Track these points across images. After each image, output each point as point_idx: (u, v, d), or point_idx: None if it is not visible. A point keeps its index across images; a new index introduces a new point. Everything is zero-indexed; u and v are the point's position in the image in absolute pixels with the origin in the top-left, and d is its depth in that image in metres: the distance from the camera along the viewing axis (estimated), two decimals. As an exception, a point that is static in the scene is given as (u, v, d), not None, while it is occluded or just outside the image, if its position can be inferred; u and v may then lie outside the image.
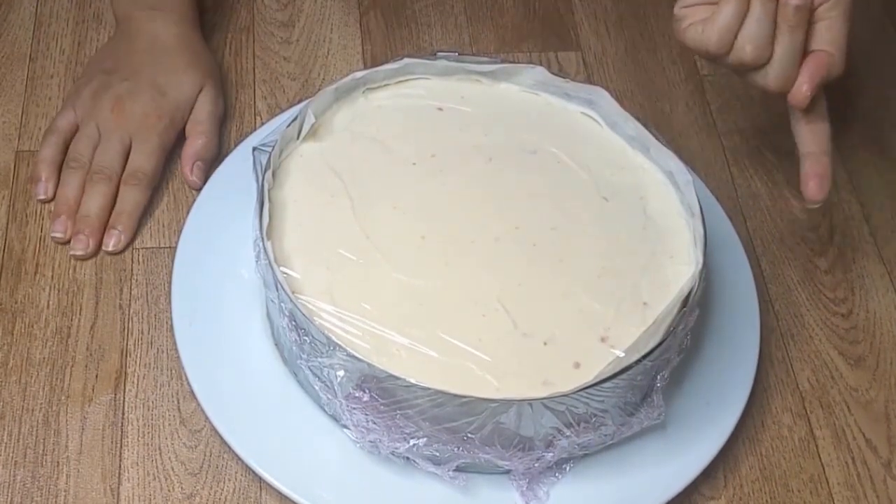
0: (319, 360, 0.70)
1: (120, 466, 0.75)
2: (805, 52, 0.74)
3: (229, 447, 0.74)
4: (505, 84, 0.84)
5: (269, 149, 0.76)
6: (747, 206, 0.92)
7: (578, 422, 0.70)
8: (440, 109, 0.82)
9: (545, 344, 0.71)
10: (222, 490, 0.75)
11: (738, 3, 0.72)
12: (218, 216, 0.83)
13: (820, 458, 0.80)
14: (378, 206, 0.76)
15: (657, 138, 0.79)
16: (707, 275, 0.75)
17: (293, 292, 0.70)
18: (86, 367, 0.80)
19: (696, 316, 0.73)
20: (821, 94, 0.77)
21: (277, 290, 0.71)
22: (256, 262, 0.74)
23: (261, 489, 0.75)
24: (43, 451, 0.76)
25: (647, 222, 0.77)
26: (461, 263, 0.74)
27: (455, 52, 0.84)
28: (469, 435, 0.69)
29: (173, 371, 0.80)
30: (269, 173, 0.75)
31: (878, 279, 0.89)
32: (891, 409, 0.82)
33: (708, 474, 0.76)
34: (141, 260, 0.85)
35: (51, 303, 0.82)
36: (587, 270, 0.74)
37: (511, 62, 0.83)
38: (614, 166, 0.80)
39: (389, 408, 0.69)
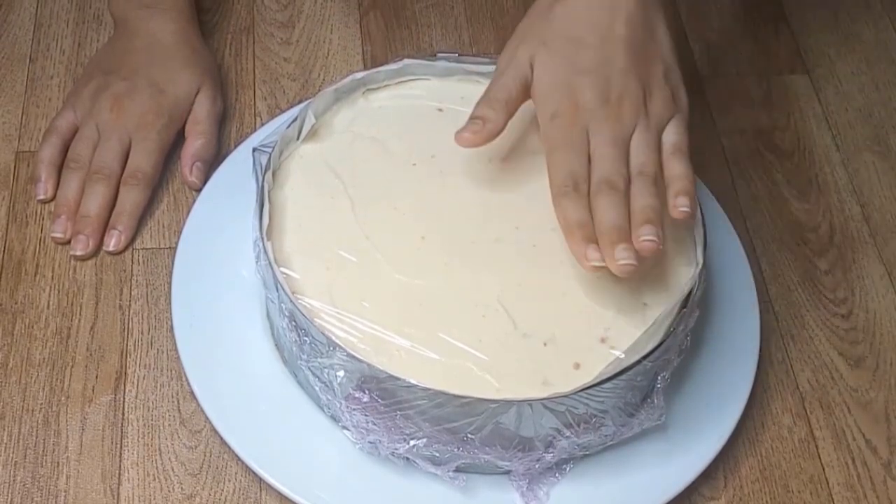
0: (319, 360, 0.69)
1: (120, 466, 0.75)
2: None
3: (229, 447, 0.74)
4: (505, 84, 0.83)
5: (269, 149, 0.76)
6: (747, 207, 0.92)
7: (578, 422, 0.70)
8: (440, 110, 0.82)
9: (545, 344, 0.71)
10: (222, 490, 0.75)
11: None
12: (218, 217, 0.83)
13: (820, 458, 0.80)
14: (378, 207, 0.76)
15: (657, 139, 0.79)
16: (707, 275, 0.75)
17: (293, 293, 0.70)
18: (86, 367, 0.80)
19: (696, 316, 0.73)
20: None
21: (277, 290, 0.71)
22: (256, 262, 0.74)
23: (261, 489, 0.75)
24: (43, 451, 0.76)
25: (647, 223, 0.77)
26: (461, 263, 0.74)
27: (455, 52, 0.84)
28: (469, 435, 0.69)
29: (173, 371, 0.79)
30: (269, 174, 0.75)
31: (878, 279, 0.89)
32: (891, 409, 0.82)
33: (708, 475, 0.76)
34: (141, 260, 0.85)
35: (51, 303, 0.82)
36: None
37: (511, 63, 0.83)
38: (614, 167, 0.80)
39: (389, 408, 0.69)
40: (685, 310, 0.72)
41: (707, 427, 0.77)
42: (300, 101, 0.93)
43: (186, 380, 0.77)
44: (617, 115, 0.71)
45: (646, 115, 0.72)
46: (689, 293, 0.72)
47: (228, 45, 0.99)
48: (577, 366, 0.70)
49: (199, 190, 0.87)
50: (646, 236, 0.68)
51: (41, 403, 0.78)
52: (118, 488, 0.74)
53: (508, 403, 0.67)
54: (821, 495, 0.78)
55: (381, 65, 0.82)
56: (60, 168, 0.88)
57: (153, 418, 0.77)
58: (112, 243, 0.85)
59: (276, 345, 0.78)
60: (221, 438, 0.75)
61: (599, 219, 0.68)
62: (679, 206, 0.70)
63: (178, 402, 0.78)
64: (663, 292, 0.73)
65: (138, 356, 0.80)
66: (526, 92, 0.73)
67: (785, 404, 0.82)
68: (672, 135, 0.73)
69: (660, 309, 0.72)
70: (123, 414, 0.78)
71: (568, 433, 0.70)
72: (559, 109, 0.71)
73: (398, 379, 0.67)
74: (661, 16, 0.74)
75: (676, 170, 0.71)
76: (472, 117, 0.73)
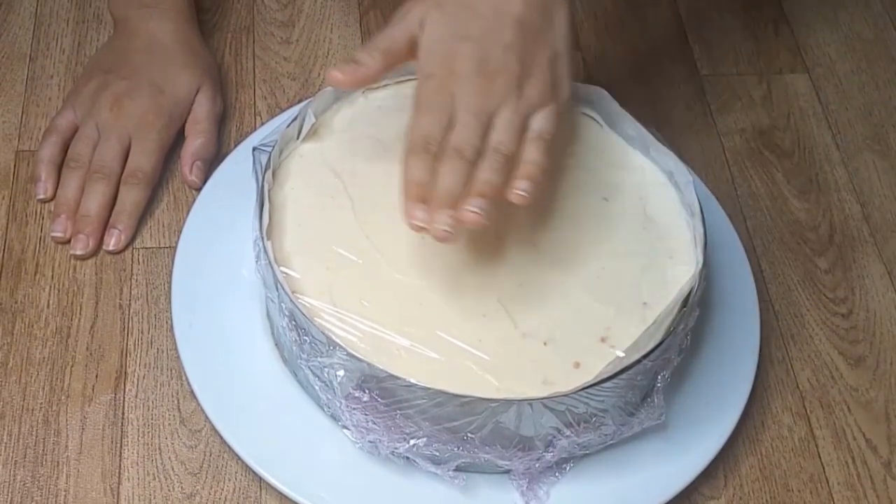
0: (319, 359, 0.69)
1: (120, 466, 0.75)
2: None
3: (229, 447, 0.74)
4: (505, 84, 0.83)
5: (269, 149, 0.76)
6: (747, 206, 0.92)
7: (578, 422, 0.70)
8: (440, 109, 0.82)
9: (545, 344, 0.71)
10: (222, 490, 0.75)
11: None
12: (218, 216, 0.83)
13: (820, 458, 0.80)
14: (378, 207, 0.76)
15: (657, 138, 0.79)
16: (707, 275, 0.75)
17: (293, 292, 0.70)
18: (86, 367, 0.80)
19: (696, 316, 0.73)
20: None
21: (277, 290, 0.71)
22: (256, 262, 0.74)
23: (261, 489, 0.75)
24: (43, 451, 0.76)
25: (647, 222, 0.77)
26: (461, 263, 0.74)
27: (455, 52, 0.84)
28: (469, 435, 0.69)
29: (173, 371, 0.79)
30: (269, 173, 0.75)
31: (878, 279, 0.89)
32: (891, 409, 0.82)
33: (708, 474, 0.76)
34: (141, 260, 0.85)
35: (51, 303, 0.82)
36: (587, 270, 0.74)
37: (511, 62, 0.83)
38: (614, 166, 0.80)
39: (389, 408, 0.69)
40: (685, 309, 0.72)
41: (707, 426, 0.77)
42: (300, 101, 0.93)
43: (186, 379, 0.77)
44: (487, 88, 0.70)
45: (518, 96, 0.70)
46: (690, 292, 0.72)
47: (228, 44, 0.99)
48: (577, 365, 0.70)
49: (199, 189, 0.87)
50: (470, 207, 0.67)
51: (41, 403, 0.78)
52: (118, 487, 0.74)
53: (508, 403, 0.67)
54: (821, 494, 0.78)
55: (381, 64, 0.82)
56: (60, 167, 0.88)
57: (153, 417, 0.77)
58: (112, 242, 0.85)
59: (276, 344, 0.78)
60: (221, 438, 0.75)
61: (437, 181, 0.68)
62: (518, 188, 0.68)
63: (178, 401, 0.78)
64: (663, 291, 0.73)
65: (138, 355, 0.80)
66: (411, 48, 0.72)
67: (785, 404, 0.82)
68: (539, 122, 0.71)
69: (660, 308, 0.72)
70: (123, 413, 0.78)
71: (568, 432, 0.70)
72: (434, 71, 0.70)
73: (398, 378, 0.67)
74: (564, 4, 0.73)
75: (531, 155, 0.70)
76: (348, 60, 0.72)
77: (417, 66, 0.72)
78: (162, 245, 0.86)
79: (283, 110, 0.93)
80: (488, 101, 0.70)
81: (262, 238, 0.72)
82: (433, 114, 0.69)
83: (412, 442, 0.70)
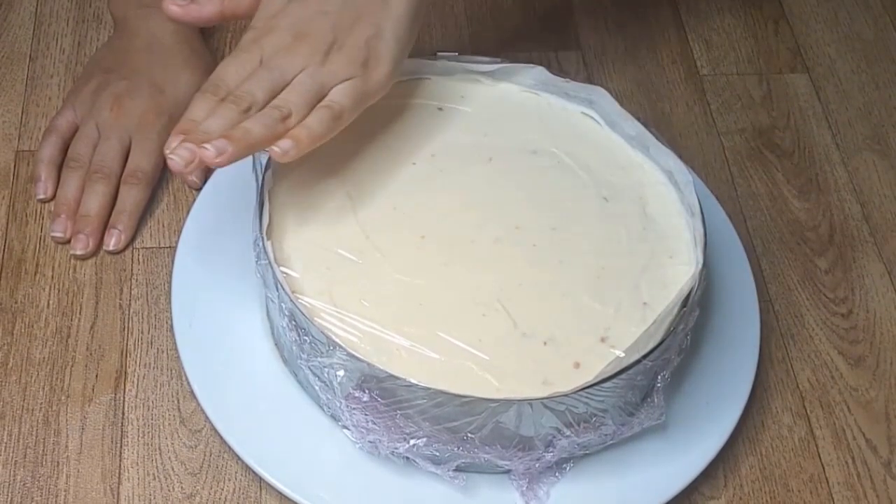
0: (319, 359, 0.69)
1: (120, 466, 0.75)
2: None
3: (229, 447, 0.74)
4: (505, 84, 0.84)
5: (269, 149, 0.76)
6: (747, 206, 0.92)
7: (578, 422, 0.70)
8: (440, 109, 0.82)
9: (545, 344, 0.71)
10: (222, 490, 0.75)
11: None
12: (218, 216, 0.83)
13: (820, 457, 0.80)
14: (378, 206, 0.76)
15: (657, 138, 0.79)
16: (707, 275, 0.75)
17: (293, 292, 0.70)
18: (86, 367, 0.80)
19: (696, 316, 0.73)
20: None
21: (277, 289, 0.71)
22: (256, 262, 0.74)
23: (261, 489, 0.75)
24: (43, 451, 0.76)
25: (646, 222, 0.77)
26: (461, 263, 0.74)
27: (455, 52, 0.84)
28: (469, 435, 0.69)
29: (173, 371, 0.79)
30: (269, 173, 0.75)
31: (878, 279, 0.89)
32: (891, 409, 0.82)
33: (708, 474, 0.76)
34: (141, 260, 0.85)
35: (51, 303, 0.82)
36: (587, 270, 0.74)
37: (511, 62, 0.83)
38: (614, 166, 0.80)
39: (389, 408, 0.69)
40: (685, 309, 0.72)
41: (707, 426, 0.77)
42: (300, 101, 0.93)
43: (186, 379, 0.77)
44: (292, 48, 0.71)
45: (320, 63, 0.71)
46: (690, 292, 0.72)
47: (228, 44, 0.99)
48: (577, 365, 0.70)
49: (199, 189, 0.87)
50: (209, 146, 0.66)
51: (41, 403, 0.78)
52: (118, 488, 0.74)
53: (508, 402, 0.67)
54: (821, 494, 0.78)
55: (381, 64, 0.82)
56: (60, 167, 0.88)
57: (153, 418, 0.77)
58: (112, 242, 0.85)
59: (276, 344, 0.78)
60: (221, 438, 0.75)
61: (205, 121, 0.68)
62: (277, 145, 0.68)
63: (178, 401, 0.78)
64: (663, 291, 0.73)
65: (138, 356, 0.80)
66: (254, 2, 0.74)
67: (785, 403, 0.82)
68: (336, 93, 0.71)
69: (660, 308, 0.72)
70: (123, 413, 0.78)
71: (568, 432, 0.70)
72: (258, 25, 0.73)
73: (398, 378, 0.67)
74: None
75: (309, 120, 0.70)
76: None
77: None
78: (162, 245, 0.86)
79: (283, 110, 0.93)
80: (289, 60, 0.71)
81: (262, 238, 0.72)
82: (236, 62, 0.71)
83: (412, 442, 0.70)
